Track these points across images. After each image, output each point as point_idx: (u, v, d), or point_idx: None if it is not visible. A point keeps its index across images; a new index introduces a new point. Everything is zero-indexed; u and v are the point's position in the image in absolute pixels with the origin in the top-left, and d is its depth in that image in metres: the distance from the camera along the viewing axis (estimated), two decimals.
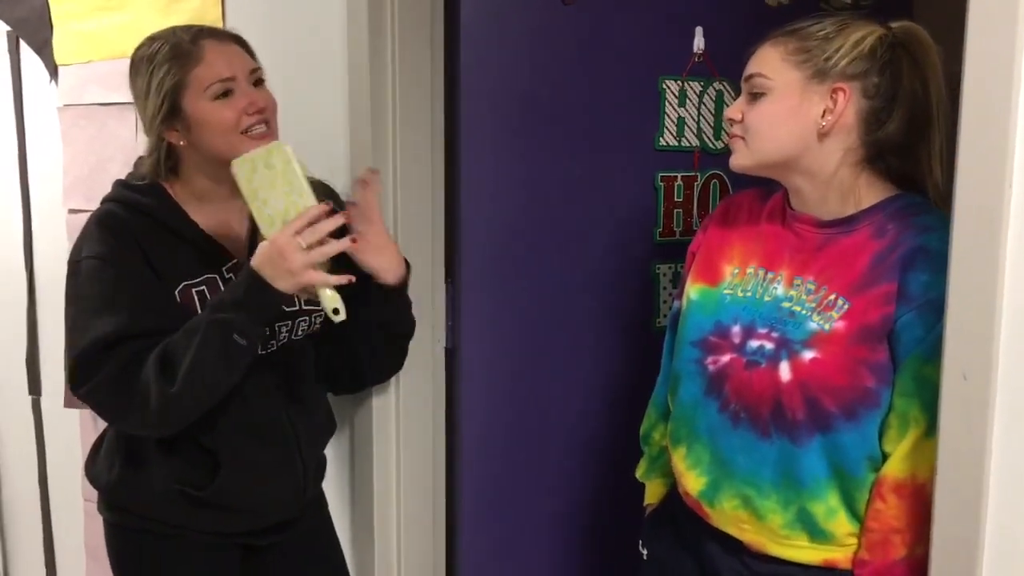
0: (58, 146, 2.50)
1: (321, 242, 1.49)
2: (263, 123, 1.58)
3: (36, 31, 2.50)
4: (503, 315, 1.98)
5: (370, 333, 1.68)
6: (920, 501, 1.25)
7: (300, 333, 1.68)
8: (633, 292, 2.09)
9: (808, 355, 1.33)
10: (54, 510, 2.79)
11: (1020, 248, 1.02)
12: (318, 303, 1.54)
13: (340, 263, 1.54)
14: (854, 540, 1.36)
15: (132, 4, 2.25)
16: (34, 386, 2.74)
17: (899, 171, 1.39)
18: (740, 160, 1.40)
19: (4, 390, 2.84)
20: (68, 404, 2.53)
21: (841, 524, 1.36)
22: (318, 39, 1.88)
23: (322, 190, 1.71)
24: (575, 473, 2.10)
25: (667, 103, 2.05)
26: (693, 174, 2.10)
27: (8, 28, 2.59)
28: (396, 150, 1.82)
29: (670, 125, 2.06)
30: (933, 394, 1.13)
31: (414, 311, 1.77)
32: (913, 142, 1.36)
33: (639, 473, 1.70)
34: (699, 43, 2.06)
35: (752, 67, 1.38)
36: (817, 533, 1.37)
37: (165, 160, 1.60)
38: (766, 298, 1.41)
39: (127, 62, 1.62)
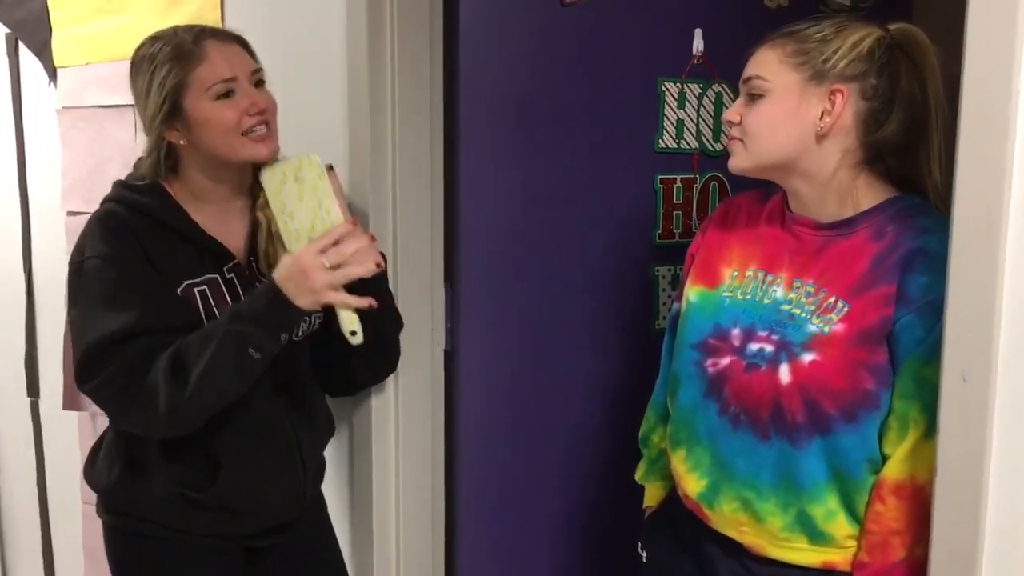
0: (57, 148, 2.50)
1: (345, 263, 1.49)
2: (263, 124, 1.58)
3: (35, 33, 2.50)
4: (502, 317, 1.98)
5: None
6: (919, 503, 1.25)
7: (300, 334, 1.68)
8: (632, 294, 2.09)
9: (808, 357, 1.33)
10: (52, 512, 2.78)
11: (1019, 250, 1.02)
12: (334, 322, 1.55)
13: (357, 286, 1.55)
14: (853, 542, 1.36)
15: (131, 6, 2.25)
16: (32, 388, 2.74)
17: (898, 173, 1.39)
18: (738, 162, 1.41)
19: (2, 392, 2.84)
20: (67, 406, 2.53)
21: (840, 526, 1.36)
22: (317, 40, 1.88)
23: None
24: (574, 475, 2.10)
25: (666, 105, 2.05)
26: (692, 176, 2.10)
27: (7, 30, 2.59)
28: (395, 151, 1.81)
29: (669, 127, 2.06)
30: (932, 396, 1.13)
31: (413, 313, 1.77)
32: (911, 144, 1.36)
33: (638, 475, 1.70)
34: (698, 45, 2.06)
35: (750, 69, 1.38)
36: (816, 535, 1.37)
37: (165, 159, 1.60)
38: (766, 301, 1.41)
39: (126, 64, 1.62)
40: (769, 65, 1.36)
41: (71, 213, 2.46)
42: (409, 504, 1.93)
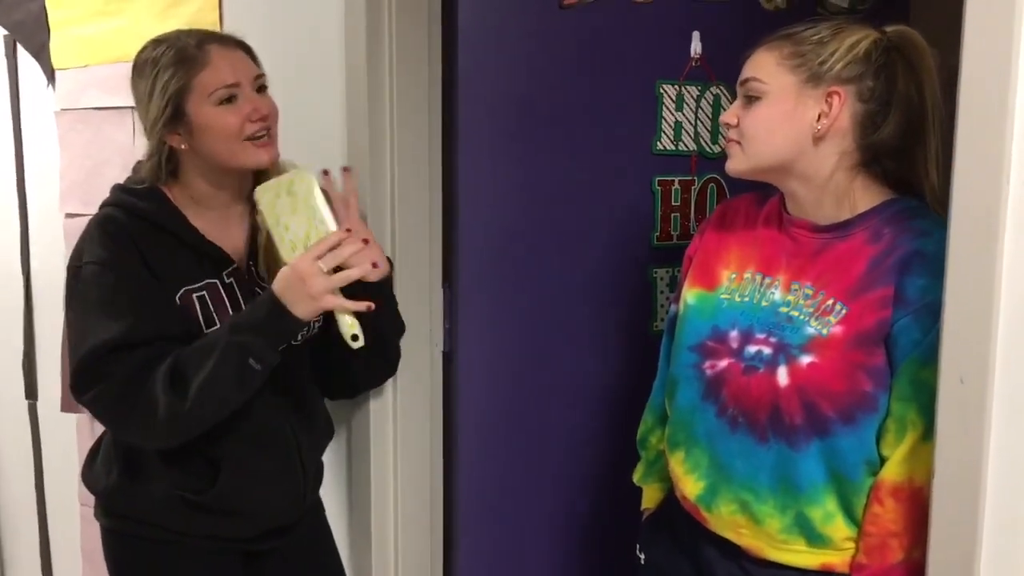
0: (55, 150, 2.50)
1: (342, 267, 1.50)
2: (265, 130, 1.58)
3: (33, 35, 2.50)
4: (500, 318, 1.98)
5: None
6: (917, 505, 1.25)
7: (299, 338, 1.68)
8: (630, 296, 2.09)
9: (806, 360, 1.33)
10: (50, 515, 2.78)
11: (1016, 251, 1.02)
12: (335, 329, 1.56)
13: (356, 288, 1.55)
14: (852, 544, 1.36)
15: (130, 8, 2.25)
16: (31, 390, 2.74)
17: (895, 175, 1.39)
18: (736, 165, 1.41)
19: (1, 394, 2.84)
20: (65, 408, 2.53)
21: (839, 528, 1.36)
22: (316, 42, 1.88)
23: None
24: (572, 476, 2.10)
25: (664, 107, 2.05)
26: (690, 178, 2.10)
27: (5, 32, 2.59)
28: (393, 153, 1.82)
29: (667, 129, 2.06)
30: (930, 398, 1.13)
31: (411, 315, 1.77)
32: (908, 146, 1.36)
33: (636, 477, 1.70)
34: (696, 47, 2.06)
35: (747, 71, 1.38)
36: (815, 537, 1.37)
37: (165, 164, 1.60)
38: (763, 303, 1.41)
39: (125, 66, 1.62)
40: (766, 67, 1.36)
41: (69, 215, 2.46)
42: (407, 506, 1.93)
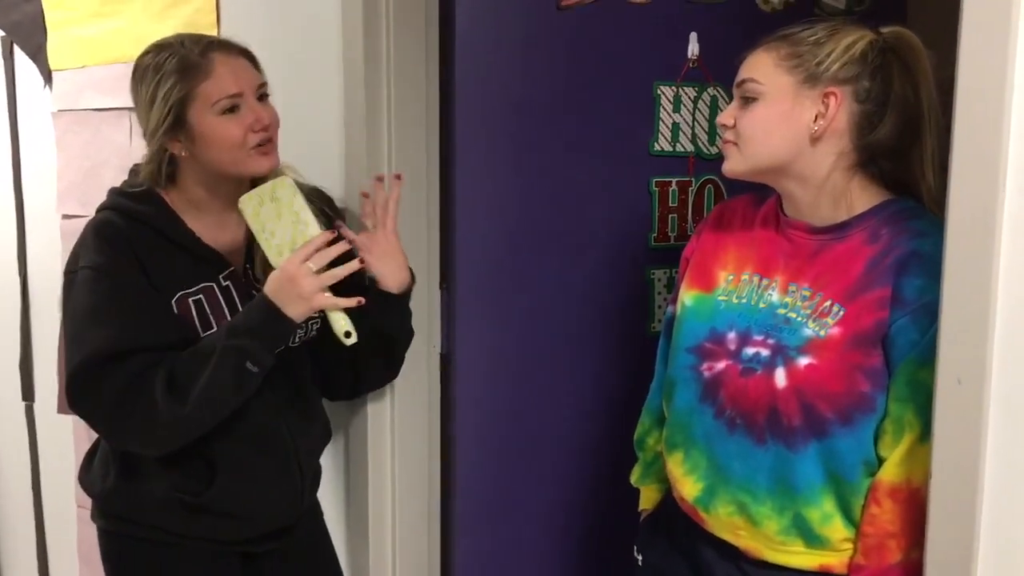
0: (52, 151, 2.50)
1: (330, 265, 1.52)
2: (267, 140, 1.58)
3: (30, 36, 2.50)
4: (498, 320, 1.98)
5: (368, 340, 1.68)
6: (915, 505, 1.25)
7: (297, 340, 1.68)
8: (628, 297, 2.09)
9: (804, 361, 1.33)
10: (47, 517, 2.78)
11: (1013, 252, 1.03)
12: (327, 327, 1.58)
13: (346, 285, 1.57)
14: (850, 545, 1.35)
15: (127, 10, 2.25)
16: (27, 392, 2.73)
17: (891, 175, 1.39)
18: (733, 166, 1.41)
19: None
20: (61, 410, 2.53)
21: (837, 529, 1.36)
22: (313, 44, 1.88)
23: (317, 196, 1.72)
24: (570, 478, 2.10)
25: (662, 108, 2.05)
26: (688, 179, 2.11)
27: (2, 33, 2.59)
28: (391, 155, 1.82)
29: (665, 130, 2.06)
30: (928, 398, 1.13)
31: None
32: (905, 146, 1.36)
33: (634, 479, 1.70)
34: (693, 48, 2.06)
35: (744, 72, 1.38)
36: (813, 539, 1.37)
37: (164, 169, 1.60)
38: (761, 305, 1.42)
39: (122, 67, 1.62)
40: (763, 68, 1.36)
41: (66, 216, 2.46)
42: (405, 507, 1.93)
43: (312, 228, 1.55)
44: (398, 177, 1.71)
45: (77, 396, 1.52)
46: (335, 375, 1.78)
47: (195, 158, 1.58)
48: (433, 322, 1.92)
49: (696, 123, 2.09)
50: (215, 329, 1.57)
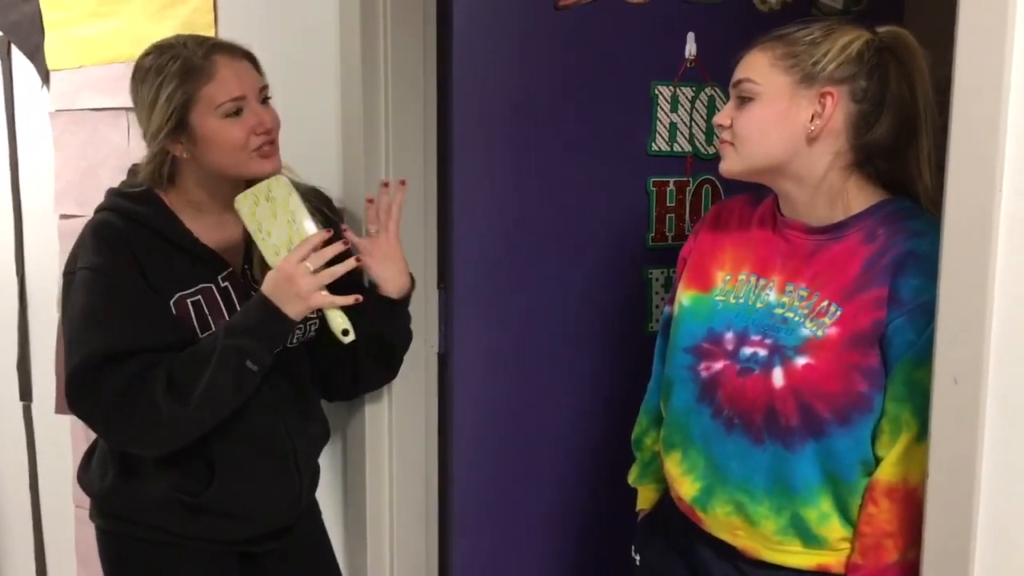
0: (50, 151, 2.50)
1: (327, 264, 1.52)
2: (269, 143, 1.58)
3: (28, 36, 2.50)
4: (495, 320, 1.98)
5: (367, 344, 1.68)
6: (912, 505, 1.25)
7: (296, 341, 1.68)
8: (625, 297, 2.09)
9: (801, 361, 1.34)
10: (45, 517, 2.78)
11: (1010, 252, 1.03)
12: (325, 325, 1.58)
13: (343, 284, 1.57)
14: (847, 545, 1.36)
15: (124, 10, 2.24)
16: (25, 392, 2.73)
17: (888, 175, 1.39)
18: (729, 166, 1.41)
19: None
20: (59, 410, 2.53)
21: (834, 529, 1.36)
22: (311, 45, 1.88)
23: (316, 196, 1.71)
24: (567, 478, 2.10)
25: (659, 108, 2.05)
26: (685, 179, 2.11)
27: (0, 33, 2.59)
28: (389, 155, 1.82)
29: (662, 130, 2.06)
30: (924, 398, 1.13)
31: None
32: (901, 146, 1.36)
33: (631, 479, 1.70)
34: (691, 48, 2.06)
35: (740, 72, 1.38)
36: (810, 538, 1.37)
37: (164, 170, 1.60)
38: (758, 305, 1.42)
39: (119, 67, 1.62)
40: (759, 68, 1.36)
41: (64, 216, 2.46)
42: (403, 507, 1.93)
43: (308, 227, 1.56)
44: (403, 183, 1.71)
45: (76, 397, 1.52)
46: (333, 375, 1.78)
47: (196, 160, 1.58)
48: (431, 322, 1.92)
49: (694, 123, 2.09)
50: (213, 330, 1.57)
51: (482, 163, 1.93)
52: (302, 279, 1.51)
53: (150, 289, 1.55)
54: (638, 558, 1.63)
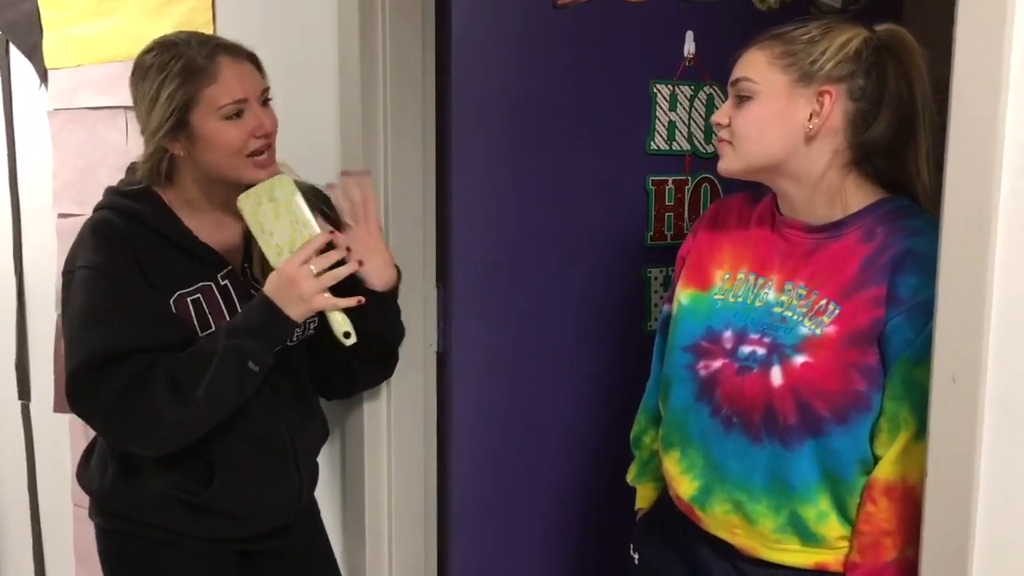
0: (48, 150, 2.50)
1: (330, 267, 1.52)
2: (267, 147, 1.58)
3: (26, 35, 2.49)
4: (494, 318, 1.98)
5: (362, 341, 1.67)
6: (910, 503, 1.25)
7: (296, 339, 1.68)
8: (624, 295, 2.09)
9: (800, 360, 1.34)
10: (43, 515, 2.77)
11: (1008, 250, 1.03)
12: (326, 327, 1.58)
13: (344, 286, 1.57)
14: (845, 543, 1.36)
15: (122, 9, 2.24)
16: (23, 391, 2.73)
17: (886, 174, 1.39)
18: (728, 164, 1.40)
19: None
20: (57, 409, 2.53)
21: (832, 527, 1.36)
22: (310, 45, 1.88)
23: (314, 195, 1.71)
24: (566, 477, 2.10)
25: (658, 107, 2.05)
26: (684, 178, 2.11)
27: None
28: (387, 152, 1.82)
29: (661, 129, 2.06)
30: (923, 397, 1.13)
31: (405, 314, 1.77)
32: (900, 145, 1.36)
33: (630, 477, 1.70)
34: (689, 47, 2.06)
35: (738, 71, 1.38)
36: (808, 537, 1.37)
37: (162, 168, 1.60)
38: (757, 303, 1.42)
39: (118, 66, 1.61)
40: (757, 67, 1.36)
41: (62, 215, 2.45)
42: (402, 506, 1.93)
43: (311, 228, 1.55)
44: (365, 173, 1.69)
45: (77, 397, 1.52)
46: (330, 374, 1.78)
47: (193, 159, 1.57)
48: (430, 320, 1.92)
49: (692, 122, 2.09)
50: (213, 329, 1.57)
51: (481, 162, 1.93)
52: (305, 281, 1.51)
53: (150, 288, 1.54)
54: (636, 557, 1.63)
